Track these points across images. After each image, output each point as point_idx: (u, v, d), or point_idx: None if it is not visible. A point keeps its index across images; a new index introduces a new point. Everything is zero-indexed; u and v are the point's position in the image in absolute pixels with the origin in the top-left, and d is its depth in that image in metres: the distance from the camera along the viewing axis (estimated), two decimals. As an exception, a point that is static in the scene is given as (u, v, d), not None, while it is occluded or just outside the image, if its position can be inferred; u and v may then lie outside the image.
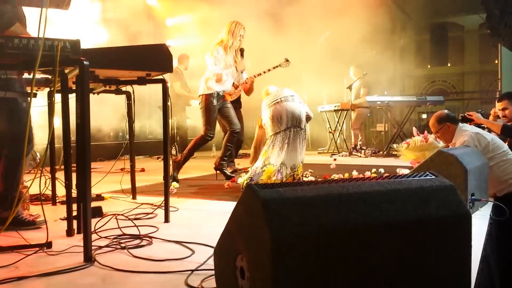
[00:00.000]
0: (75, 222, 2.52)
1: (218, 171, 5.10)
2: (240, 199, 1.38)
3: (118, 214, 2.90)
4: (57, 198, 3.48)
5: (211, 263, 1.90)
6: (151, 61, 2.58)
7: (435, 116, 3.89)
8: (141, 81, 2.86)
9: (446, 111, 3.95)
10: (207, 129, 4.96)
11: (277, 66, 5.57)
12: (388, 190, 1.42)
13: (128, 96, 3.56)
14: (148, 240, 2.37)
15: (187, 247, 2.24)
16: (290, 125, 4.02)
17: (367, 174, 4.88)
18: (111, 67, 2.42)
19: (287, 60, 5.62)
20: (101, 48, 2.40)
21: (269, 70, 5.57)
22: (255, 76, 5.54)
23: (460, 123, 3.78)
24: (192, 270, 1.87)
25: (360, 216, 1.31)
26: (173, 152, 6.08)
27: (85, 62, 1.99)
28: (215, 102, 4.98)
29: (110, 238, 2.39)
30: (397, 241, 1.34)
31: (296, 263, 1.20)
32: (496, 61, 11.64)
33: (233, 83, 5.33)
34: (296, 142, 4.04)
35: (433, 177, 1.58)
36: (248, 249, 1.31)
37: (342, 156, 8.02)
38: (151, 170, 5.88)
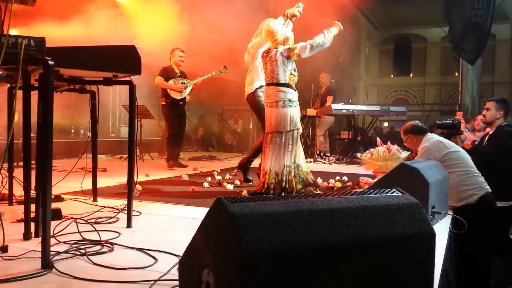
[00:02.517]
0: (32, 225, 2.43)
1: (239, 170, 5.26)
2: (209, 211, 1.36)
3: (78, 218, 2.82)
4: (14, 198, 3.35)
5: (174, 273, 1.88)
6: (119, 62, 2.51)
7: (402, 128, 4.04)
8: (107, 82, 2.78)
9: (414, 122, 4.03)
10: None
11: (217, 72, 6.53)
12: (356, 207, 1.42)
13: (93, 95, 3.46)
14: (109, 247, 2.30)
15: (150, 255, 2.19)
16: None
17: (331, 182, 4.94)
18: (77, 67, 2.34)
19: (225, 67, 6.61)
20: (67, 47, 2.31)
21: (209, 75, 6.59)
22: (198, 83, 6.52)
23: (429, 133, 3.88)
24: (155, 280, 1.83)
25: (329, 233, 1.31)
26: (137, 153, 6.10)
27: (50, 62, 1.91)
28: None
29: (69, 244, 2.31)
30: (364, 258, 1.35)
31: (264, 279, 1.19)
32: (456, 74, 12.03)
33: (183, 82, 6.38)
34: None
35: (400, 194, 1.60)
36: (215, 264, 1.29)
37: (307, 162, 8.06)
38: (113, 171, 5.75)
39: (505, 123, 4.33)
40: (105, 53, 2.49)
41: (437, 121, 4.65)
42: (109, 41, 8.93)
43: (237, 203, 1.29)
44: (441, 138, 3.83)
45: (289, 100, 4.07)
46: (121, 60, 2.50)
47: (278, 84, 4.08)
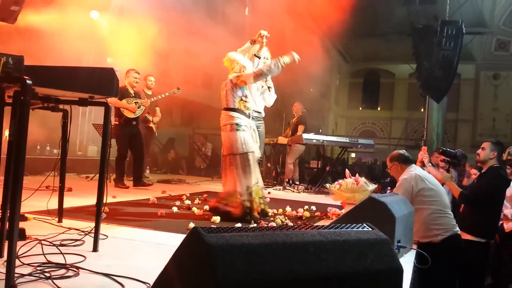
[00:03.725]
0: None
1: None
2: (185, 241, 1.36)
3: (43, 239, 2.74)
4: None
5: (142, 301, 1.85)
6: (97, 84, 2.50)
7: (389, 155, 4.19)
8: (83, 102, 2.75)
9: (401, 151, 4.17)
10: None
11: (171, 93, 7.09)
12: (329, 241, 1.46)
13: (65, 114, 3.41)
14: (74, 271, 2.25)
15: (116, 281, 2.15)
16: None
17: (300, 211, 4.97)
18: (55, 86, 2.31)
19: (178, 88, 7.15)
20: (45, 66, 2.29)
21: (161, 96, 7.06)
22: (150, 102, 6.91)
23: (413, 165, 3.98)
24: (122, 308, 1.79)
25: (302, 266, 1.34)
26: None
27: (28, 81, 1.89)
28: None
29: (33, 266, 2.25)
30: (335, 293, 1.38)
31: (237, 312, 1.20)
32: (422, 109, 12.42)
33: (136, 102, 6.62)
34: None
35: (370, 229, 1.65)
36: (188, 294, 1.29)
37: (276, 189, 8.11)
38: (79, 190, 5.61)
39: (498, 165, 4.31)
40: (83, 74, 2.48)
41: (443, 147, 4.72)
42: (82, 59, 8.85)
43: (213, 233, 1.30)
44: (423, 173, 3.93)
45: (237, 124, 4.26)
46: (99, 82, 2.50)
47: (228, 108, 4.33)
